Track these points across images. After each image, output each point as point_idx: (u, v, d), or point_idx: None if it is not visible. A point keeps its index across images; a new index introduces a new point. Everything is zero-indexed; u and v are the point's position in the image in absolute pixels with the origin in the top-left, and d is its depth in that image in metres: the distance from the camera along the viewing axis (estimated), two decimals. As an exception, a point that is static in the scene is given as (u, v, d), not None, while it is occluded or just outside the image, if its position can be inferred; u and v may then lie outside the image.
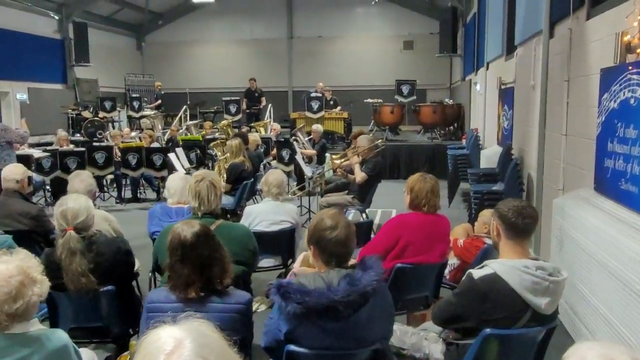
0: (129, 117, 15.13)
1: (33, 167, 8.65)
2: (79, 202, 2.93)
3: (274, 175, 4.50)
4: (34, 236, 4.16)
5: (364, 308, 2.11)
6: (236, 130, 11.12)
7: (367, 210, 7.28)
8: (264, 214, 4.40)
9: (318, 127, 10.45)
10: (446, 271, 3.87)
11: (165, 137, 12.79)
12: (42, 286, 2.05)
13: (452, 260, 3.98)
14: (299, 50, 20.19)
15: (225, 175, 7.08)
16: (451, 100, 14.40)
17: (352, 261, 2.35)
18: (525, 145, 6.47)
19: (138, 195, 9.83)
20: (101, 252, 2.87)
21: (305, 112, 13.08)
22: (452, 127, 13.97)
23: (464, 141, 11.95)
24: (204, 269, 2.19)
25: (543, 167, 5.51)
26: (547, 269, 2.36)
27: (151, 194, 9.98)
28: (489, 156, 7.89)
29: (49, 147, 9.74)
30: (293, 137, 10.64)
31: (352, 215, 7.82)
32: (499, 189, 6.20)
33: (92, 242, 2.88)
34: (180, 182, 4.11)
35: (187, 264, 2.19)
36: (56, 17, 16.03)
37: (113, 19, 19.13)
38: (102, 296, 2.93)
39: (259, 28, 20.31)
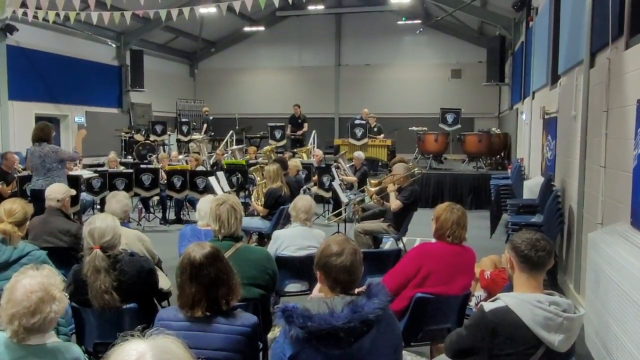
0: (178, 141, 15.64)
1: (83, 187, 9.06)
2: (107, 222, 3.07)
3: (302, 201, 4.56)
4: (72, 253, 4.34)
5: (366, 336, 2.10)
6: (280, 156, 11.33)
7: (404, 239, 7.25)
8: (291, 239, 4.45)
9: (359, 154, 10.51)
10: (472, 303, 3.80)
11: (211, 161, 13.14)
12: (61, 304, 2.16)
13: (479, 293, 3.90)
14: (346, 78, 20.44)
15: (262, 200, 7.22)
16: (498, 130, 14.18)
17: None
18: (567, 176, 6.30)
19: (181, 216, 10.09)
20: (124, 271, 2.99)
21: (348, 139, 13.19)
22: (498, 156, 13.73)
23: (509, 171, 11.72)
24: (210, 289, 2.26)
25: (583, 200, 5.35)
26: (561, 305, 2.30)
27: (194, 216, 10.25)
28: (531, 187, 7.70)
29: (99, 168, 10.19)
30: (334, 164, 10.73)
31: (389, 243, 7.79)
32: (538, 221, 6.04)
33: (116, 261, 3.00)
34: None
35: (195, 283, 2.26)
36: (114, 45, 16.90)
37: (168, 46, 19.97)
38: (125, 313, 3.04)
39: (307, 55, 20.73)
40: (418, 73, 19.73)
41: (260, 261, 3.21)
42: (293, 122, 14.98)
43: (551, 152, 7.33)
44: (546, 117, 7.85)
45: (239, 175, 9.27)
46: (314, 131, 14.99)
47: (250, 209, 8.65)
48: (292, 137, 14.80)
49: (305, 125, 14.90)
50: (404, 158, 8.35)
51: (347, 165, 10.49)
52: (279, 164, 7.39)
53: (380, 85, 19.97)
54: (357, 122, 13.62)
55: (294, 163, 9.26)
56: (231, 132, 15.30)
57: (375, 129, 13.75)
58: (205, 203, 4.27)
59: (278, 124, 14.27)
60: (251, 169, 9.31)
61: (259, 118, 18.91)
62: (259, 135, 16.14)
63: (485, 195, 11.50)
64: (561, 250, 6.25)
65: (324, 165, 11.24)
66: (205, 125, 16.66)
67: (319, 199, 11.46)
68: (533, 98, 9.99)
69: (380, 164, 13.64)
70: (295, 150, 13.64)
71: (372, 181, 7.05)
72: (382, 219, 6.76)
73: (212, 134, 16.46)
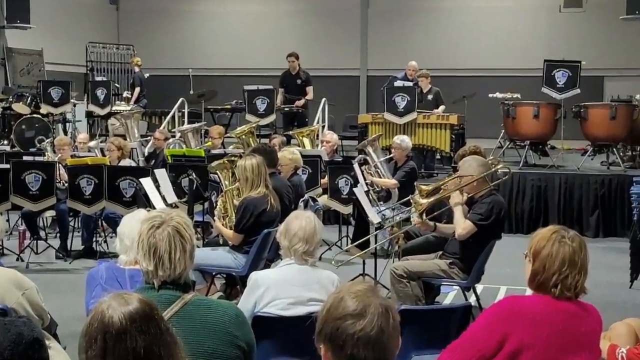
0: (90, 115, 15.71)
1: None
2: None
3: (300, 220, 4.55)
4: None
5: None
6: (264, 143, 11.31)
7: (479, 288, 7.23)
8: (281, 287, 4.46)
9: (402, 141, 10.49)
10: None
11: (146, 150, 13.16)
12: None
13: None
14: (380, 8, 20.47)
15: (234, 219, 7.24)
16: (646, 98, 14.13)
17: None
18: None
19: (94, 246, 10.14)
20: (-11, 342, 2.99)
21: (384, 114, 13.21)
22: (646, 145, 13.68)
23: (665, 171, 11.69)
24: (136, 374, 2.25)
25: None
26: None
27: (114, 246, 10.25)
28: None
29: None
30: (359, 157, 10.71)
31: (452, 295, 7.76)
32: None
33: (-24, 323, 3.01)
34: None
35: (111, 363, 2.26)
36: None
37: (73, -48, 20.08)
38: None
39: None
40: (505, 0, 19.72)
41: (226, 325, 3.19)
42: (288, 85, 14.98)
43: None
44: None
45: (193, 175, 9.29)
46: (323, 100, 14.93)
47: (212, 234, 8.64)
48: (286, 109, 14.81)
49: (309, 90, 14.90)
50: (479, 147, 8.33)
51: (382, 159, 10.49)
52: (262, 156, 7.40)
53: (438, 22, 19.99)
54: (398, 83, 13.56)
55: (289, 155, 9.26)
56: (181, 100, 15.30)
57: (431, 97, 13.73)
58: (132, 224, 4.28)
59: (262, 87, 14.28)
60: (214, 164, 9.29)
61: (228, 77, 18.98)
62: (228, 107, 16.12)
63: (623, 213, 11.50)
64: None
65: (340, 159, 11.19)
66: (138, 90, 16.66)
67: (331, 217, 11.45)
68: None
69: (438, 156, 13.61)
70: (291, 132, 13.63)
71: (424, 187, 7.03)
72: (439, 253, 6.77)
73: (144, 102, 16.49)
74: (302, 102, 14.74)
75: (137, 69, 17.18)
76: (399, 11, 20.15)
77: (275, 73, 15.81)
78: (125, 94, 16.59)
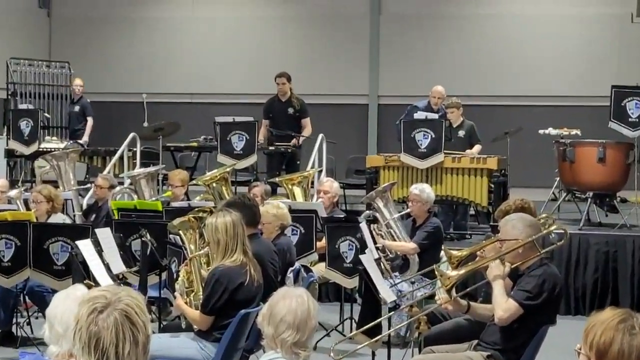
0: (11, 155, 15.72)
1: None
2: None
3: (288, 300, 4.56)
4: None
5: None
6: (242, 194, 11.32)
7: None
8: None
9: (423, 191, 10.53)
10: None
11: (85, 202, 13.17)
12: None
13: None
14: (396, 14, 20.62)
15: (200, 296, 7.24)
16: None
17: None
18: None
19: (14, 330, 10.12)
20: None
21: (400, 155, 13.27)
22: None
23: None
24: None
25: None
26: None
27: (41, 332, 10.21)
28: None
29: None
30: (367, 212, 10.73)
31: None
32: None
33: None
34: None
35: None
36: None
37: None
38: None
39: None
40: (561, 7, 19.90)
41: None
42: (275, 115, 15.02)
43: None
44: None
45: (147, 236, 9.32)
46: (320, 136, 14.97)
47: (172, 315, 8.63)
48: (272, 148, 14.85)
49: (306, 122, 14.97)
50: (527, 201, 8.34)
51: (396, 216, 10.51)
52: (238, 211, 7.44)
53: (472, 34, 20.13)
54: (420, 115, 13.64)
55: (274, 210, 9.28)
56: (132, 135, 15.35)
57: (462, 133, 13.83)
58: (66, 305, 4.29)
59: (238, 120, 14.32)
60: (176, 222, 9.33)
61: (194, 105, 19.08)
62: (194, 144, 16.14)
63: None
64: None
65: (342, 215, 11.20)
66: (90, 121, 16.64)
67: (330, 293, 11.41)
68: None
69: (472, 212, 13.64)
70: (277, 179, 13.62)
71: (454, 253, 7.04)
72: (474, 343, 6.75)
73: (86, 140, 16.53)
74: (295, 140, 14.67)
75: (76, 92, 17.18)
76: (420, 19, 20.30)
77: (257, 100, 15.90)
78: (66, 144, 16.45)
